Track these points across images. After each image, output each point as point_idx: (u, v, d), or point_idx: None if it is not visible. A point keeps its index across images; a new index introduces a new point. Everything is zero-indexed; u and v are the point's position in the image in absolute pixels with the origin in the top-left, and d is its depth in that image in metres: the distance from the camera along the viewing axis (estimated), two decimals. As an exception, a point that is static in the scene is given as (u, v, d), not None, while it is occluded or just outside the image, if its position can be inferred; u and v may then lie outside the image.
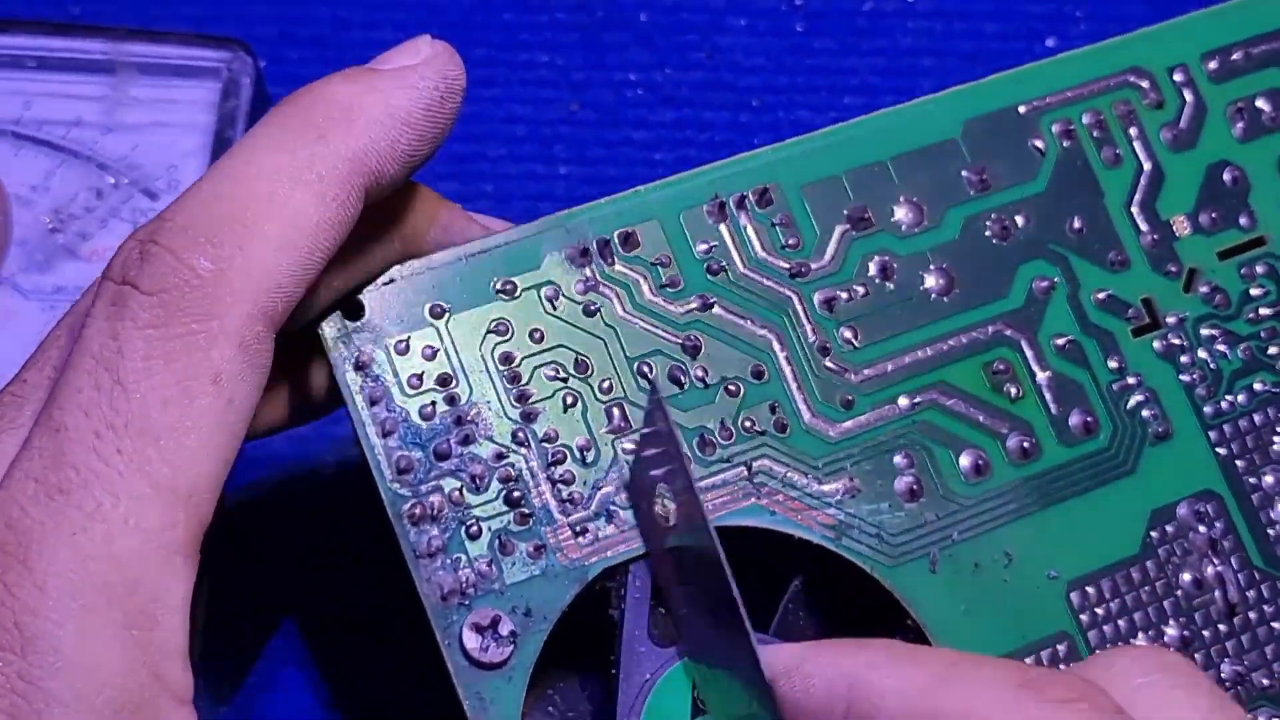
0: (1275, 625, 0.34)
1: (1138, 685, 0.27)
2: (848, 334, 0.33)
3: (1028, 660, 0.32)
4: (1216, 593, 0.34)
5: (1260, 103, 0.37)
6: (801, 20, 0.50)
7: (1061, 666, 0.32)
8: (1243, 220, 0.36)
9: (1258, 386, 0.35)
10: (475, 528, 0.31)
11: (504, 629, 0.30)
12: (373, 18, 0.50)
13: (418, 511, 0.30)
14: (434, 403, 0.31)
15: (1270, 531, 0.35)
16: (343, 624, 0.41)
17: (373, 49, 0.49)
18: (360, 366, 0.31)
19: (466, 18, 0.50)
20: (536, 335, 0.32)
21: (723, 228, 0.33)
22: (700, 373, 0.33)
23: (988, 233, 0.35)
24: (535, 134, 0.49)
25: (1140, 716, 0.26)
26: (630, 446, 0.32)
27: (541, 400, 0.32)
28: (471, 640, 0.30)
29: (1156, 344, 0.35)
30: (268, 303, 0.28)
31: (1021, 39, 0.50)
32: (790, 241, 0.34)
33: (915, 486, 0.33)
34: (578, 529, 0.31)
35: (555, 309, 0.32)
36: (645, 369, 0.32)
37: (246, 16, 0.49)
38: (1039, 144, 0.35)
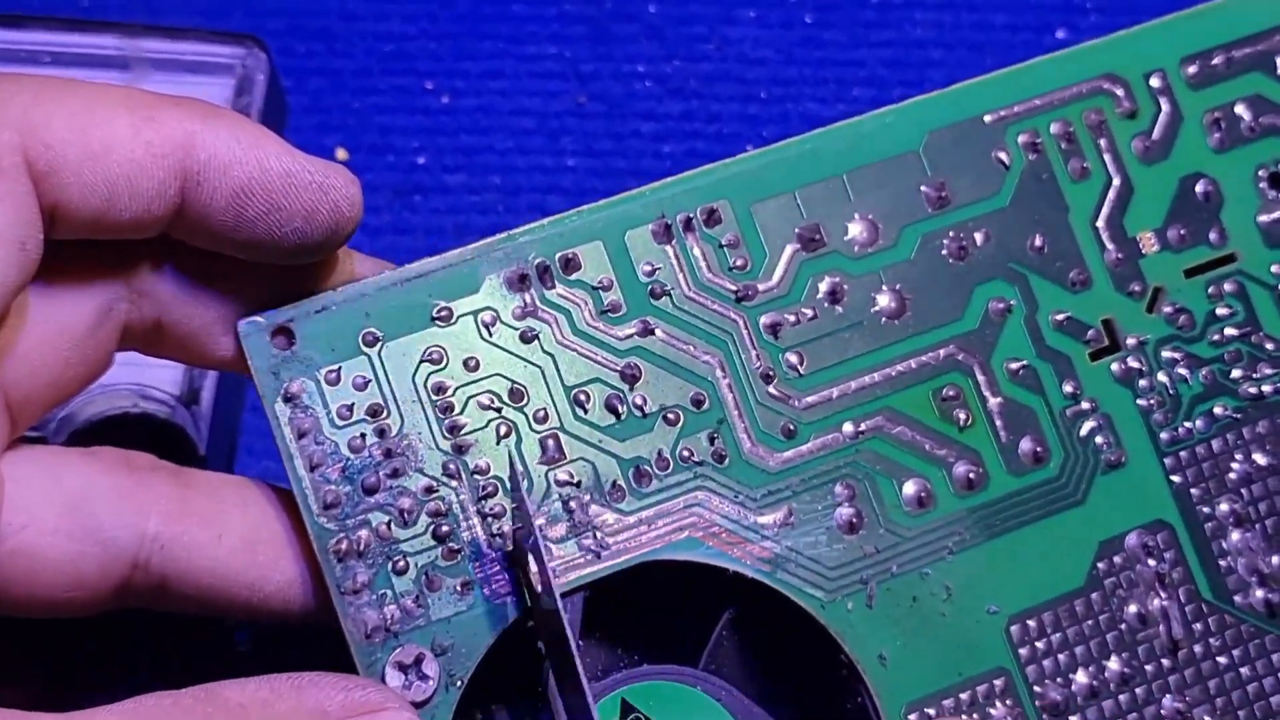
0: (1220, 660, 0.34)
1: None
2: (793, 359, 0.33)
3: (962, 696, 0.32)
4: (1161, 627, 0.33)
5: (1240, 109, 0.36)
6: (810, 12, 0.50)
7: (999, 703, 0.32)
8: (1213, 236, 0.35)
9: (1218, 411, 0.35)
10: (402, 563, 0.30)
11: (428, 668, 0.30)
12: (381, 10, 0.50)
13: (344, 547, 0.30)
14: (364, 435, 0.31)
15: (1222, 562, 0.34)
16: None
17: (381, 41, 0.49)
18: (290, 398, 0.31)
19: (475, 9, 0.50)
20: (471, 363, 0.31)
21: (668, 249, 0.33)
22: (639, 401, 0.32)
23: (944, 252, 0.34)
24: (543, 126, 0.49)
25: None
26: (564, 476, 0.31)
27: (474, 431, 0.31)
28: (395, 678, 0.30)
29: (1115, 367, 0.34)
30: None
31: (1031, 30, 0.50)
32: (738, 263, 0.33)
33: (855, 519, 0.32)
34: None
35: (491, 335, 0.32)
36: (582, 397, 0.32)
37: (255, 9, 0.50)
38: (1003, 156, 0.34)
